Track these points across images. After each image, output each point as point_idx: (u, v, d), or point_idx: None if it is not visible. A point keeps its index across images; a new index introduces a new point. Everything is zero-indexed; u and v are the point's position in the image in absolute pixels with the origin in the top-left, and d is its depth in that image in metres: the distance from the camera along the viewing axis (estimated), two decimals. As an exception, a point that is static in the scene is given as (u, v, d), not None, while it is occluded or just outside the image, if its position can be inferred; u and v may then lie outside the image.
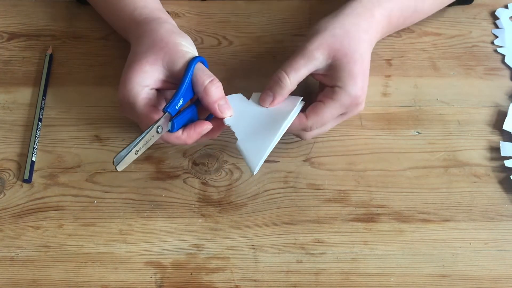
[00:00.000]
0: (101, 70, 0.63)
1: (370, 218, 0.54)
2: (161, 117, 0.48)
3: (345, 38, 0.51)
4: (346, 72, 0.50)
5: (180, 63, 0.50)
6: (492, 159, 0.57)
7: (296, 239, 0.53)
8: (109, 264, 0.52)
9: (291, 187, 0.55)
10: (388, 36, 0.63)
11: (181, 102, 0.49)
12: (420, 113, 0.60)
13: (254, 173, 0.49)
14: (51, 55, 0.63)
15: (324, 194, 0.55)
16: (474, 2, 0.67)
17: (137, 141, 0.46)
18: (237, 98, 0.53)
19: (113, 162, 0.45)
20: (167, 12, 0.59)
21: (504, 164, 0.56)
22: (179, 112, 0.49)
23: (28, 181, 0.55)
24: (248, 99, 0.53)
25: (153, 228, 0.53)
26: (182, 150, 0.57)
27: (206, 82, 0.49)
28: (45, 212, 0.54)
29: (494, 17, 0.66)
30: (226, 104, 0.51)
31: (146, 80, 0.50)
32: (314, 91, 0.58)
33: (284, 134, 0.51)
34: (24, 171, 0.56)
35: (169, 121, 0.48)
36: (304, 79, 0.52)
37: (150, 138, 0.47)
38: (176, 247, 0.53)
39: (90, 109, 0.60)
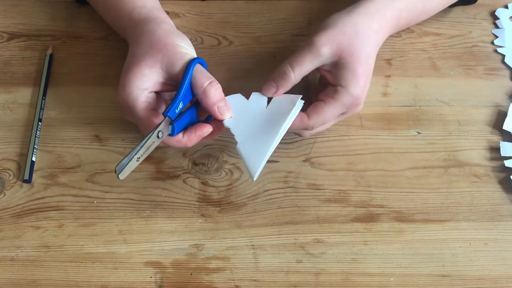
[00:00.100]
0: (101, 70, 0.63)
1: (370, 218, 0.54)
2: (161, 122, 0.48)
3: (355, 37, 0.51)
4: (350, 72, 0.50)
5: (178, 65, 0.50)
6: (492, 159, 0.57)
7: (296, 239, 0.53)
8: (109, 264, 0.52)
9: (291, 187, 0.55)
10: (389, 36, 0.63)
11: (180, 105, 0.49)
12: (420, 113, 0.60)
13: (254, 179, 0.49)
14: (51, 55, 0.63)
15: (324, 194, 0.55)
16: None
17: (138, 148, 0.46)
18: (237, 99, 0.53)
19: (115, 171, 0.45)
20: (167, 12, 0.59)
21: (504, 164, 0.56)
22: (179, 115, 0.49)
23: (28, 181, 0.55)
24: (247, 98, 0.53)
25: (153, 228, 0.53)
26: (182, 150, 0.57)
27: (205, 84, 0.49)
28: (45, 212, 0.54)
29: (494, 17, 0.66)
30: (225, 106, 0.50)
31: (145, 83, 0.50)
32: (312, 86, 0.58)
33: (285, 133, 0.51)
34: (24, 171, 0.56)
35: (169, 125, 0.48)
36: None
37: (151, 144, 0.47)
38: (176, 247, 0.53)
39: (90, 109, 0.60)
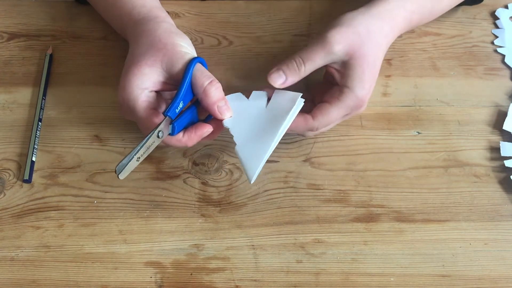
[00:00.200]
0: (101, 70, 0.63)
1: (370, 218, 0.54)
2: (162, 121, 0.48)
3: (367, 39, 0.51)
4: (358, 74, 0.51)
5: (179, 64, 0.50)
6: (492, 159, 0.57)
7: (296, 239, 0.53)
8: (109, 264, 0.52)
9: (291, 187, 0.55)
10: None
11: (181, 105, 0.49)
12: (420, 113, 0.60)
13: (251, 182, 0.49)
14: (51, 55, 0.63)
15: (324, 194, 0.55)
16: (474, 2, 0.67)
17: (138, 148, 0.46)
18: (237, 98, 0.53)
19: (115, 171, 0.45)
20: (167, 12, 0.59)
21: (504, 164, 0.56)
22: (179, 114, 0.49)
23: (28, 181, 0.55)
24: (248, 97, 0.53)
25: (153, 228, 0.53)
26: (182, 150, 0.57)
27: (206, 83, 0.49)
28: (45, 212, 0.54)
29: (494, 17, 0.66)
30: (225, 106, 0.50)
31: (145, 82, 0.50)
32: (314, 85, 0.58)
33: (286, 134, 0.51)
34: (24, 171, 0.56)
35: (170, 124, 0.48)
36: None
37: (151, 144, 0.47)
38: (176, 247, 0.53)
39: (90, 109, 0.60)
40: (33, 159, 0.56)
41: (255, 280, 0.51)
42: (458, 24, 0.66)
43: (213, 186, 0.56)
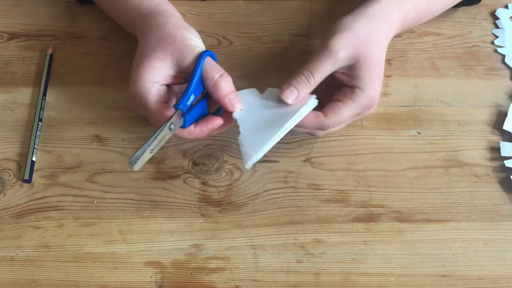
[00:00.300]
0: (101, 70, 0.63)
1: (370, 218, 0.54)
2: (174, 114, 0.48)
3: (369, 40, 0.51)
4: (367, 75, 0.51)
5: (189, 58, 0.50)
6: (492, 159, 0.57)
7: (296, 239, 0.53)
8: (109, 264, 0.52)
9: (291, 187, 0.55)
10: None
11: (192, 98, 0.50)
12: (420, 113, 0.60)
13: (246, 167, 0.49)
14: (51, 55, 0.63)
15: (324, 194, 0.55)
16: (474, 2, 0.67)
17: (151, 140, 0.47)
18: (250, 93, 0.53)
19: (129, 163, 0.46)
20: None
21: (504, 164, 0.56)
22: (190, 107, 0.50)
23: (28, 181, 0.55)
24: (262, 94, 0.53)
25: (153, 228, 0.53)
26: (182, 150, 0.57)
27: (216, 76, 0.50)
28: (45, 212, 0.54)
29: (494, 17, 0.66)
30: (236, 98, 0.51)
31: (156, 76, 0.51)
32: (320, 87, 0.58)
33: (291, 132, 0.50)
34: (24, 171, 0.56)
35: (181, 117, 0.49)
36: None
37: (164, 136, 0.48)
38: (176, 247, 0.53)
39: (90, 109, 0.60)
40: (33, 159, 0.56)
41: (255, 280, 0.51)
42: (458, 24, 0.66)
43: (213, 186, 0.56)
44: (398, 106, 0.60)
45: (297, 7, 0.67)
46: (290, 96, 0.51)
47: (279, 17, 0.66)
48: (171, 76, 0.51)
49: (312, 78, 0.51)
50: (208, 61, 0.50)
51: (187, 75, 0.51)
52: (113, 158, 0.57)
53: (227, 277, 0.51)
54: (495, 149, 0.57)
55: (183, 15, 0.66)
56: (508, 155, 0.57)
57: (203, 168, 0.57)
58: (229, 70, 0.62)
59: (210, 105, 0.53)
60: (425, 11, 0.59)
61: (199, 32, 0.65)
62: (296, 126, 0.51)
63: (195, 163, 0.57)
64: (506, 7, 0.67)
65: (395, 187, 0.55)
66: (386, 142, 0.58)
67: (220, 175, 0.56)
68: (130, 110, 0.58)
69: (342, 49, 0.50)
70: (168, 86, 0.52)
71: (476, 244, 0.52)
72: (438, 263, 0.52)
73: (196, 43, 0.52)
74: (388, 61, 0.63)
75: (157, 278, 0.51)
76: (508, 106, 0.59)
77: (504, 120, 0.59)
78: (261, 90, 0.54)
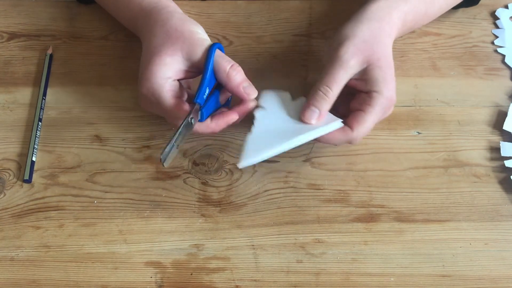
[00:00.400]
0: (101, 70, 0.63)
1: (370, 218, 0.54)
2: (193, 108, 0.49)
3: (375, 42, 0.51)
4: (381, 76, 0.51)
5: (199, 51, 0.51)
6: (492, 159, 0.57)
7: (296, 239, 0.53)
8: (109, 264, 0.52)
9: (291, 187, 0.55)
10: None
11: (207, 91, 0.50)
12: (420, 113, 0.60)
13: (239, 166, 0.49)
14: (51, 55, 0.63)
15: (324, 194, 0.55)
16: (474, 2, 0.67)
17: (177, 135, 0.47)
18: (280, 96, 0.54)
19: (160, 159, 0.46)
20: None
21: (504, 164, 0.56)
22: (205, 101, 0.51)
23: (28, 181, 0.55)
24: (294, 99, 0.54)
25: (153, 228, 0.53)
26: (182, 150, 0.57)
27: (228, 67, 0.50)
28: (45, 212, 0.54)
29: (494, 17, 0.66)
30: (250, 86, 0.52)
31: (168, 72, 0.51)
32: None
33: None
34: (24, 171, 0.56)
35: (199, 111, 0.49)
36: None
37: (186, 131, 0.49)
38: (176, 247, 0.53)
39: (90, 109, 0.60)
40: (33, 159, 0.56)
41: (255, 280, 0.51)
42: (458, 24, 0.66)
43: (213, 186, 0.56)
44: (398, 106, 0.60)
45: (297, 7, 0.67)
46: (312, 116, 0.51)
47: (279, 17, 0.66)
48: (182, 71, 0.52)
49: (330, 91, 0.50)
50: (218, 54, 0.51)
51: (198, 69, 0.51)
52: (113, 158, 0.57)
53: (227, 277, 0.51)
54: (495, 149, 0.57)
55: (183, 15, 0.66)
56: (508, 155, 0.57)
57: (203, 168, 0.57)
58: (229, 70, 0.62)
59: (220, 97, 0.54)
60: (423, 13, 0.59)
61: (199, 32, 0.65)
62: (324, 143, 0.51)
63: (195, 163, 0.57)
64: (506, 7, 0.67)
65: (395, 187, 0.55)
66: (386, 142, 0.58)
67: (220, 175, 0.56)
68: (138, 110, 0.58)
69: (352, 56, 0.50)
70: (179, 81, 0.53)
71: (476, 244, 0.52)
72: (438, 263, 0.52)
73: (203, 36, 0.52)
74: (388, 61, 0.63)
75: (157, 278, 0.51)
76: (508, 106, 0.59)
77: (504, 120, 0.59)
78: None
